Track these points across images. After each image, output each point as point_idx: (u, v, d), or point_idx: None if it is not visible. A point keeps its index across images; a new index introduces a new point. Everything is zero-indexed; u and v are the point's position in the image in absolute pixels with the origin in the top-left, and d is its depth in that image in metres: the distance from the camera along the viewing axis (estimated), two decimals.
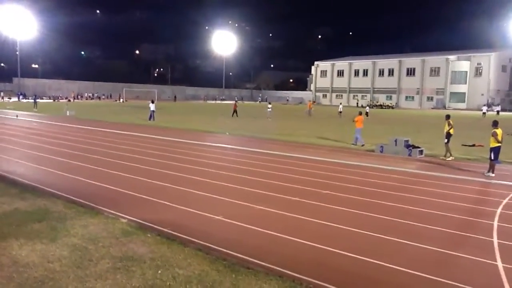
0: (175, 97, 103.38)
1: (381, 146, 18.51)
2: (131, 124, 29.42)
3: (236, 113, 42.00)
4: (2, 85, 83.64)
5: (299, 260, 6.02)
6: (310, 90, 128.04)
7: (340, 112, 51.92)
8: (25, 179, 10.75)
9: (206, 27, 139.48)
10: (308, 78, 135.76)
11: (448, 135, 16.81)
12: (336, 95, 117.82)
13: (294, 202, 9.21)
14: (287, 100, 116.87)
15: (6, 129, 24.24)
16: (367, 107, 53.05)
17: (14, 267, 5.45)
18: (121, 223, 7.40)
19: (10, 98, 71.09)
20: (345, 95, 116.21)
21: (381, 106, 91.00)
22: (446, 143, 16.81)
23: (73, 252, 5.99)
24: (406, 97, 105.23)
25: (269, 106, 42.85)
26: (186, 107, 64.43)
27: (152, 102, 31.79)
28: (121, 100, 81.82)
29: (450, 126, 16.87)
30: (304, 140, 22.07)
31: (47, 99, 74.24)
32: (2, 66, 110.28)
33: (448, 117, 17.30)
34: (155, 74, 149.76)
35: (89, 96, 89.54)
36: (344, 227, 7.55)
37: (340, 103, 60.34)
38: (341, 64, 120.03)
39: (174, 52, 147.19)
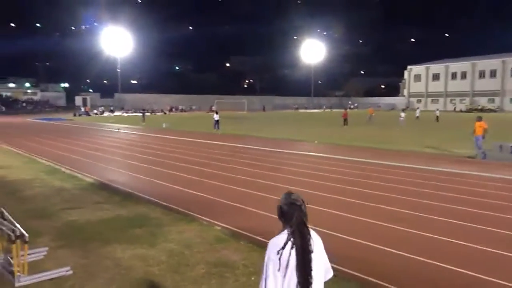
0: (263, 107, 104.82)
1: (483, 153, 17.17)
2: (219, 134, 30.21)
3: (347, 122, 39.58)
4: (104, 101, 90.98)
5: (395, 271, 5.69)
6: (403, 96, 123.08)
7: (418, 117, 49.99)
8: (126, 187, 11.44)
9: (295, 37, 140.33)
10: (400, 83, 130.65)
11: None
12: (432, 100, 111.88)
13: (388, 211, 8.79)
14: (379, 106, 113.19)
15: (109, 141, 26.08)
16: (437, 111, 50.16)
17: (117, 269, 5.78)
18: (215, 230, 7.56)
19: (112, 112, 77.16)
20: (441, 100, 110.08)
21: (481, 110, 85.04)
22: None
23: (171, 257, 6.23)
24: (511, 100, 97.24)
25: (402, 114, 41.19)
26: (281, 117, 64.89)
27: (216, 112, 33.49)
28: (214, 110, 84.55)
29: None
30: (402, 148, 21.18)
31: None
32: (105, 82, 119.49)
33: None
34: (245, 85, 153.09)
35: (183, 109, 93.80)
36: (456, 241, 7.04)
37: (418, 108, 58.03)
38: (437, 67, 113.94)
39: (263, 63, 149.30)
